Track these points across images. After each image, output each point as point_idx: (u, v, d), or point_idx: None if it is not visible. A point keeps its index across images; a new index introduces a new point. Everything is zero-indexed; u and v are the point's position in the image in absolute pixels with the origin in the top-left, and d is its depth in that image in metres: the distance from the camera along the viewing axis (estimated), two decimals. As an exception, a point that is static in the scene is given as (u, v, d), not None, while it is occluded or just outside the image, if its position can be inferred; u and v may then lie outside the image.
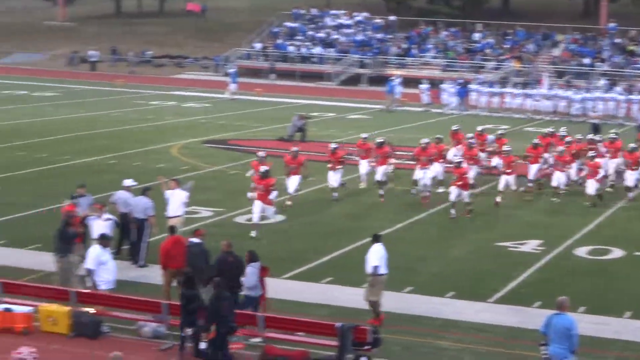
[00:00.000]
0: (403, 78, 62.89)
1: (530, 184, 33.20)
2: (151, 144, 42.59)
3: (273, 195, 26.85)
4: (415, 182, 32.32)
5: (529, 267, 24.38)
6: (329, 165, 32.10)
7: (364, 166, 33.74)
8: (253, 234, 26.32)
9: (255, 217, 26.55)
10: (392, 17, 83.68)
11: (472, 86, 60.18)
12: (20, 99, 58.43)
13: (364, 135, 35.22)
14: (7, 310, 19.03)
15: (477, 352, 18.32)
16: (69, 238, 21.05)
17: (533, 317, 19.31)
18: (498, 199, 31.41)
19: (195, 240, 20.69)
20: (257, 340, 18.32)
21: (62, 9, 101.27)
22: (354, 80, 74.13)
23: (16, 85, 66.65)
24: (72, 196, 24.04)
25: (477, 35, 77.72)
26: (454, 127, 37.87)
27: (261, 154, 30.71)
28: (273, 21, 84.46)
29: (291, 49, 78.51)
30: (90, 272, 19.65)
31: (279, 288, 20.98)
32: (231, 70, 66.60)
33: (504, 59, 72.24)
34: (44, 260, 23.42)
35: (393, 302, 20.45)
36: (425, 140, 33.27)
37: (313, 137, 44.05)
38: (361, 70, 74.90)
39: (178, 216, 24.68)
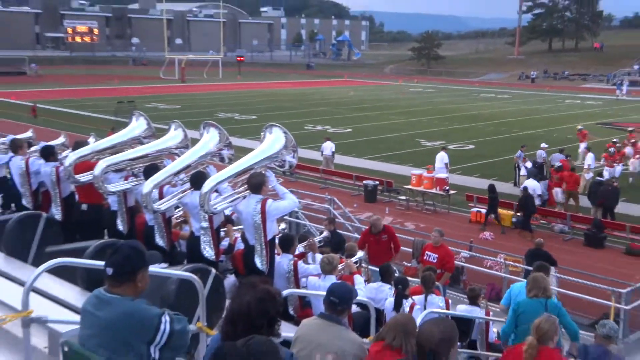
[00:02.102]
0: None
1: None
2: (563, 124, 40.16)
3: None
4: None
5: None
6: None
7: None
8: None
9: None
10: None
11: None
12: (490, 99, 58.09)
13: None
14: (478, 211, 19.32)
15: None
16: None
17: None
18: None
19: None
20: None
21: (517, 47, 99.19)
22: None
23: (488, 91, 66.32)
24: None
25: None
26: None
27: (612, 149, 22.89)
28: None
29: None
30: None
31: None
32: (618, 82, 60.96)
33: None
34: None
35: None
36: None
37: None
38: None
39: None
